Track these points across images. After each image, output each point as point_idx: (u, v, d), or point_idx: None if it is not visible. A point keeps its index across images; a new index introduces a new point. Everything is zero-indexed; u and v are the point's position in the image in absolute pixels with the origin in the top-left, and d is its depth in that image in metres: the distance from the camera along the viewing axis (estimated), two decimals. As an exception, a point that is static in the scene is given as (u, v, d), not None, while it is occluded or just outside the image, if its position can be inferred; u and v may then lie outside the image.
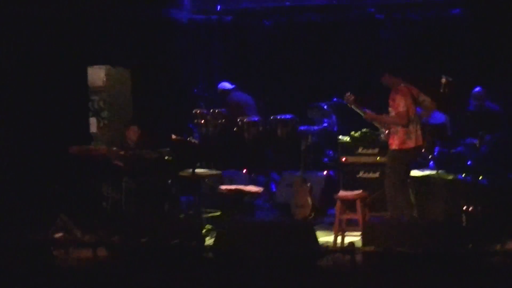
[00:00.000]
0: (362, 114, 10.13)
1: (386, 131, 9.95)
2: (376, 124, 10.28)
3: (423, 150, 10.49)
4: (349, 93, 10.14)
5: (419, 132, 9.82)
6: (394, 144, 9.82)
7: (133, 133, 11.15)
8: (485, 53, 12.47)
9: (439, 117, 11.32)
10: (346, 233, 9.86)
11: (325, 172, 11.78)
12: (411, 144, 9.76)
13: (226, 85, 13.13)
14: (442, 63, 12.23)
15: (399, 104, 9.72)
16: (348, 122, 11.57)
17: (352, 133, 11.24)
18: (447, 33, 13.05)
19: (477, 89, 11.51)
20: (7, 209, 10.52)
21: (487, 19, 12.45)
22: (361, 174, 11.08)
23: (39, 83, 11.70)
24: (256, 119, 12.41)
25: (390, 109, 9.86)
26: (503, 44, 12.17)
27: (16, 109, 11.58)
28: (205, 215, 10.69)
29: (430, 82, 10.64)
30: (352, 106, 10.15)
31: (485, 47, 12.51)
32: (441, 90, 10.35)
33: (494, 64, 12.23)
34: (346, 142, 11.26)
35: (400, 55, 13.06)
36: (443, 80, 10.32)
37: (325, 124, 12.37)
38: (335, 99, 12.00)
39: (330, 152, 12.12)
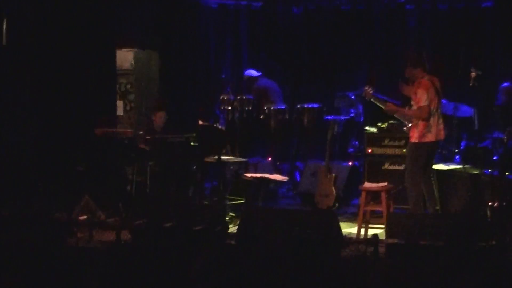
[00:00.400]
0: (383, 107, 10.06)
1: (409, 124, 9.87)
2: (398, 117, 10.24)
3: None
4: (367, 87, 10.10)
5: (440, 126, 9.74)
6: (414, 137, 9.74)
7: (160, 119, 11.15)
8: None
9: (467, 111, 11.27)
10: (370, 225, 9.85)
11: (350, 163, 11.75)
12: (431, 138, 9.68)
13: (253, 72, 13.10)
14: (472, 57, 12.13)
15: (421, 99, 9.62)
16: (375, 113, 11.50)
17: (379, 124, 11.21)
18: (478, 26, 12.95)
19: (506, 84, 11.43)
20: (33, 190, 10.57)
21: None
22: (386, 166, 11.06)
23: (68, 65, 11.71)
24: (282, 107, 12.39)
25: (412, 102, 9.80)
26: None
27: (45, 90, 11.60)
28: (229, 203, 10.69)
29: (459, 75, 10.60)
30: (372, 99, 10.11)
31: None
32: (470, 84, 10.29)
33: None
34: (372, 133, 11.24)
35: (428, 47, 12.97)
36: (473, 73, 10.26)
37: (352, 114, 12.32)
38: (362, 89, 11.94)
39: (356, 143, 12.07)
